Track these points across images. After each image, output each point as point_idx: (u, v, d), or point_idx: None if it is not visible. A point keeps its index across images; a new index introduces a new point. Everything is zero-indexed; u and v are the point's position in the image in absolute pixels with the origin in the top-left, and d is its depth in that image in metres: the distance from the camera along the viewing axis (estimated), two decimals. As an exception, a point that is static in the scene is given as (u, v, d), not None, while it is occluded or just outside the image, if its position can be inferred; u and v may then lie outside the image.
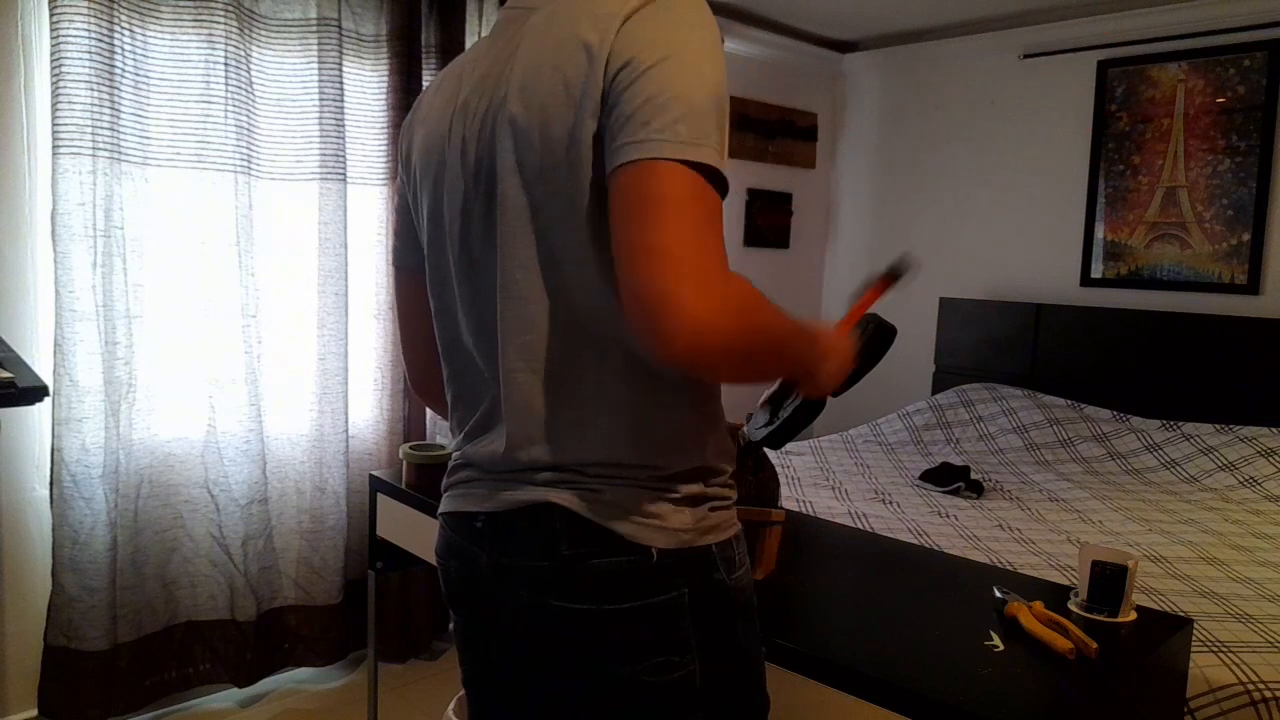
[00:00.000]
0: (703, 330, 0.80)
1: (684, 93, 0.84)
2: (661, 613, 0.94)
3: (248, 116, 2.55)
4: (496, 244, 0.98)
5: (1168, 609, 1.87)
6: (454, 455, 1.11)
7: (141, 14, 2.36)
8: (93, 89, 2.25)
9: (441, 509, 1.11)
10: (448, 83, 1.08)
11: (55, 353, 2.28)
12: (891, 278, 1.27)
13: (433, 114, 1.08)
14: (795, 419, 1.40)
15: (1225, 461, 3.02)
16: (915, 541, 2.26)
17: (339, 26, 2.68)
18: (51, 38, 2.21)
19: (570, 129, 0.89)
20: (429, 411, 3.03)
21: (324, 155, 2.70)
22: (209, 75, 2.48)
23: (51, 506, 2.33)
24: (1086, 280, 3.71)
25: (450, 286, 1.06)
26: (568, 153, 0.90)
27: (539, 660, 1.01)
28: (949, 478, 2.86)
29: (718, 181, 0.86)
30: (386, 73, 2.83)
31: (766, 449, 1.52)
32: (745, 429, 1.53)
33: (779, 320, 0.91)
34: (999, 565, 2.06)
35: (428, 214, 1.08)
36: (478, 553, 1.03)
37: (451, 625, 1.15)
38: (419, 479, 2.05)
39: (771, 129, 4.22)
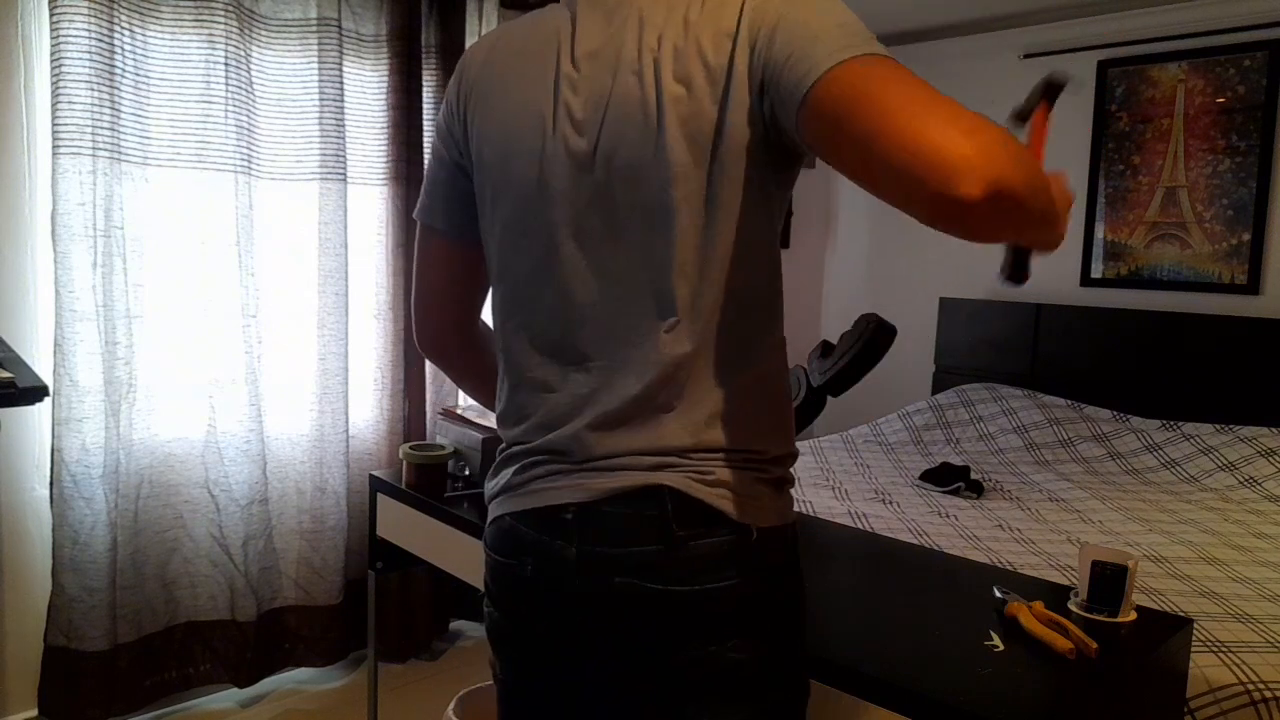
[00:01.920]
0: (990, 166, 0.73)
1: (838, 15, 0.87)
2: (751, 591, 0.96)
3: (248, 116, 2.55)
4: (618, 234, 0.96)
5: (1168, 609, 1.87)
6: (515, 447, 1.06)
7: (142, 14, 2.36)
8: (93, 89, 2.25)
9: (508, 508, 1.05)
10: (531, 53, 1.03)
11: (55, 353, 2.28)
12: (1051, 95, 1.19)
13: (514, 84, 1.03)
14: (867, 352, 1.37)
15: (1225, 461, 3.02)
16: (915, 541, 2.26)
17: (339, 26, 2.68)
18: (51, 38, 2.21)
19: (719, 113, 0.91)
20: (429, 412, 3.03)
21: (324, 155, 2.70)
22: (209, 75, 2.48)
23: (51, 506, 2.33)
24: (1086, 280, 3.71)
25: (536, 270, 1.02)
26: (715, 139, 0.92)
27: (618, 650, 0.99)
28: (949, 478, 2.86)
29: None
30: (387, 73, 2.83)
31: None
32: (806, 369, 1.51)
33: (1033, 157, 0.86)
34: (999, 565, 2.06)
35: (513, 193, 1.02)
36: (565, 546, 0.99)
37: (495, 630, 1.10)
38: (419, 479, 2.05)
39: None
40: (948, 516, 2.55)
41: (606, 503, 0.97)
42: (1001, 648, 1.26)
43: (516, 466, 1.05)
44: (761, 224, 0.97)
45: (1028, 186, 0.76)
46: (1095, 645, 1.23)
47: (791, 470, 1.04)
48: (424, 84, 2.92)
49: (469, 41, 3.03)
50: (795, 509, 1.06)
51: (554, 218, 1.00)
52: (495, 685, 1.14)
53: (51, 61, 2.21)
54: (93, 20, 2.24)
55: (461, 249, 1.15)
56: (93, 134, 2.27)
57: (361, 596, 2.87)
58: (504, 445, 1.09)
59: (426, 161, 1.18)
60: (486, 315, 1.19)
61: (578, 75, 0.98)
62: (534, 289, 1.03)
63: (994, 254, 1.18)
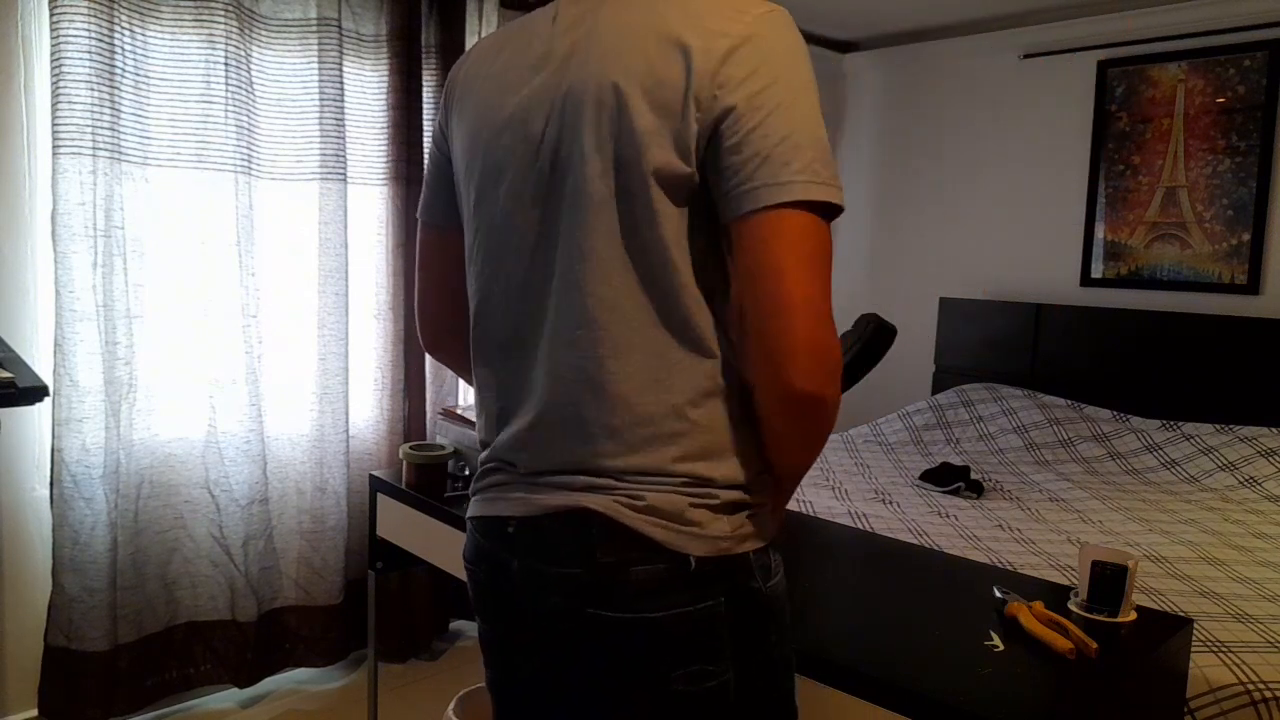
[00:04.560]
0: (834, 384, 0.90)
1: (815, 131, 0.89)
2: (697, 621, 0.92)
3: (248, 116, 2.55)
4: (557, 232, 0.96)
5: (1168, 609, 1.87)
6: (483, 454, 1.08)
7: (142, 14, 2.36)
8: (93, 89, 2.25)
9: (470, 512, 1.08)
10: (509, 53, 1.04)
11: (55, 353, 2.28)
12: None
13: (490, 83, 1.04)
14: (866, 352, 1.36)
15: (1225, 461, 3.02)
16: (915, 542, 2.26)
17: (339, 26, 2.68)
18: (51, 38, 2.20)
19: (656, 129, 0.90)
20: (429, 412, 3.03)
21: (324, 155, 2.70)
22: (209, 75, 2.48)
23: (52, 507, 2.33)
24: (1086, 280, 3.71)
25: (496, 270, 1.03)
26: (646, 150, 0.90)
27: (568, 669, 0.99)
28: (949, 478, 2.86)
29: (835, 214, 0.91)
30: (387, 73, 2.83)
31: None
32: None
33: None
34: (999, 565, 2.06)
35: (478, 189, 1.04)
36: (509, 559, 1.00)
37: (477, 631, 1.13)
38: (419, 479, 2.05)
39: (771, 129, 4.21)
40: (948, 517, 2.55)
41: (544, 520, 0.97)
42: (1001, 648, 1.26)
43: (479, 471, 1.08)
44: (693, 231, 0.93)
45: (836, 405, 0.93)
46: (1095, 645, 1.23)
47: (753, 493, 0.98)
48: (424, 84, 2.92)
49: (469, 41, 3.03)
50: (795, 509, 1.05)
51: (503, 208, 1.01)
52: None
53: (51, 61, 2.21)
54: (93, 20, 2.23)
55: (456, 241, 1.15)
56: (93, 134, 2.27)
57: (361, 596, 2.87)
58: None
59: (426, 161, 1.19)
60: None
61: (542, 67, 0.99)
62: (488, 280, 1.04)
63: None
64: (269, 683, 2.78)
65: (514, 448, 1.01)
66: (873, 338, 1.33)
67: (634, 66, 0.92)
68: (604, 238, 0.93)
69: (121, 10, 2.30)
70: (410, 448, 2.08)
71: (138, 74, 2.36)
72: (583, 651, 0.96)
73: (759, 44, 0.90)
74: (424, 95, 2.92)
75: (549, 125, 0.96)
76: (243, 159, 2.55)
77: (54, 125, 2.22)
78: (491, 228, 1.03)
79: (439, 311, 1.21)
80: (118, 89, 2.31)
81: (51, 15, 2.20)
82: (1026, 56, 3.83)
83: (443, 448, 2.10)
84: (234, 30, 2.49)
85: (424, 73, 2.92)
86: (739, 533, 0.95)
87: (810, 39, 4.20)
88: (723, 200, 0.90)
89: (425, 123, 2.93)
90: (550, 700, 1.04)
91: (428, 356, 3.02)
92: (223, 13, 2.47)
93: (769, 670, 0.99)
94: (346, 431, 2.81)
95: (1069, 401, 3.55)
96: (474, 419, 2.13)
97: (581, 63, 0.95)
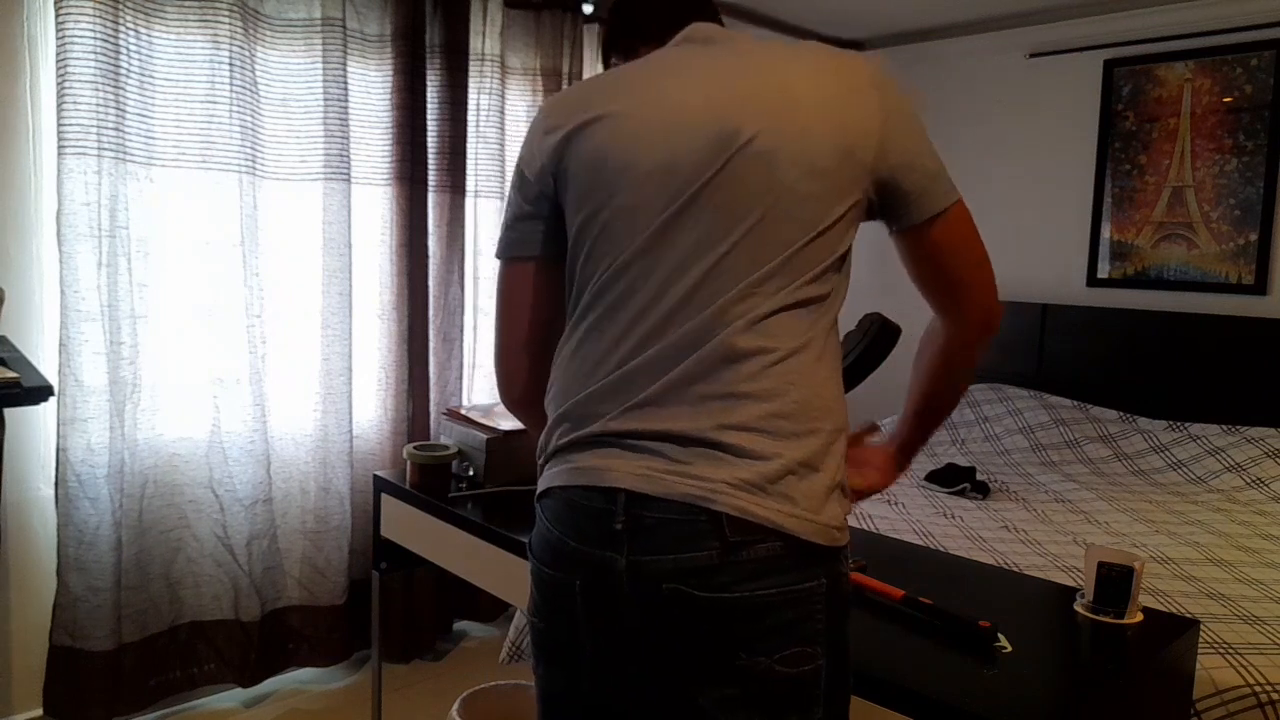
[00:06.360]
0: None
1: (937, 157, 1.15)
2: (802, 599, 0.97)
3: (252, 116, 2.55)
4: (716, 245, 1.01)
5: (1174, 610, 1.86)
6: (557, 446, 1.07)
7: (147, 14, 2.37)
8: (98, 89, 2.25)
9: (555, 517, 1.06)
10: (637, 90, 1.09)
11: (60, 352, 2.28)
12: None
13: (615, 116, 1.08)
14: (871, 352, 1.36)
15: (1232, 462, 3.01)
16: (920, 543, 2.25)
17: (343, 26, 2.68)
18: (57, 37, 2.21)
19: (843, 159, 1.05)
20: (433, 412, 3.03)
21: (328, 155, 2.70)
22: (214, 75, 2.48)
23: (56, 506, 2.33)
24: (1093, 280, 3.70)
25: (624, 277, 1.05)
26: (828, 176, 1.04)
27: (667, 662, 0.99)
28: (954, 478, 2.85)
29: None
30: (391, 72, 2.83)
31: None
32: None
33: None
34: (1005, 566, 2.06)
35: (612, 212, 1.06)
36: (614, 557, 0.99)
37: (535, 638, 1.11)
38: (423, 479, 2.04)
39: (776, 129, 4.20)
40: (953, 518, 2.54)
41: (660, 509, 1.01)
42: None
43: (556, 468, 1.09)
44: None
45: None
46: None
47: (846, 487, 1.05)
48: (428, 84, 2.92)
49: (473, 41, 3.03)
50: None
51: (652, 233, 1.05)
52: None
53: (57, 61, 2.22)
54: (98, 20, 2.24)
55: (557, 274, 1.17)
56: (98, 134, 2.27)
57: (365, 597, 2.87)
58: None
59: (513, 201, 1.17)
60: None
61: (689, 113, 1.06)
62: (620, 299, 1.08)
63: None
64: (272, 683, 2.78)
65: (623, 436, 1.05)
66: (877, 337, 1.32)
67: (815, 115, 1.09)
68: (766, 253, 1.05)
69: (126, 10, 2.30)
70: (414, 448, 2.08)
71: (142, 74, 2.37)
72: (684, 640, 0.98)
73: (892, 89, 1.16)
74: (428, 95, 2.92)
75: (708, 156, 1.05)
76: (247, 159, 2.55)
77: (59, 125, 2.23)
78: (631, 244, 1.07)
79: (539, 356, 1.19)
80: (123, 89, 2.31)
81: (57, 15, 2.20)
82: (1033, 56, 3.82)
83: (447, 448, 2.10)
84: (238, 30, 2.49)
85: (428, 72, 2.92)
86: (841, 522, 1.01)
87: (816, 38, 4.19)
88: (890, 212, 1.20)
89: (430, 123, 2.93)
90: (633, 702, 1.04)
91: (431, 354, 3.02)
92: (227, 13, 2.47)
93: (846, 655, 1.03)
94: (350, 431, 2.81)
95: (1075, 402, 3.54)
96: (478, 419, 2.13)
97: (753, 107, 1.06)
